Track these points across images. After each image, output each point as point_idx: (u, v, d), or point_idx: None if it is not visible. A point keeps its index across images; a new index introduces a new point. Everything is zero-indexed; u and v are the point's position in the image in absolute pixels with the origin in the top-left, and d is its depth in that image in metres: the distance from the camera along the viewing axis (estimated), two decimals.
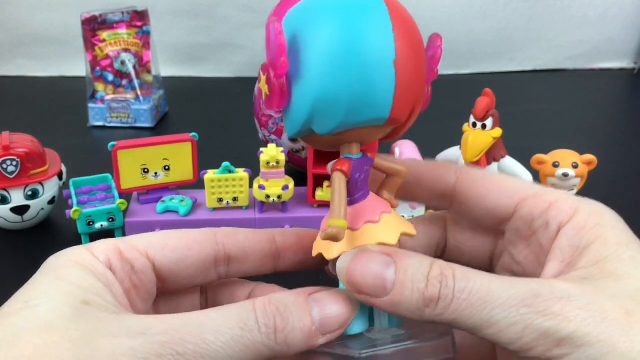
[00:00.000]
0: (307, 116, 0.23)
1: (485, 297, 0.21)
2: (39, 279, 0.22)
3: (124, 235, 0.60)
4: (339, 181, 0.24)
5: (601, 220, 0.24)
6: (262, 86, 0.23)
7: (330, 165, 0.25)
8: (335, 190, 0.24)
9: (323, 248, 0.25)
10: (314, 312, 0.23)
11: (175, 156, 0.61)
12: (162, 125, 0.96)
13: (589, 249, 0.23)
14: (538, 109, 1.05)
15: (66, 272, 0.22)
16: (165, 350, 0.20)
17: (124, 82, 0.95)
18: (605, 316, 0.20)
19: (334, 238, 0.23)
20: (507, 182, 0.26)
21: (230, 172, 0.60)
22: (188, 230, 0.27)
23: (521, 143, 0.68)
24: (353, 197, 0.25)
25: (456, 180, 0.26)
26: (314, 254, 0.26)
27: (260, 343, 0.22)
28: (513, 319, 0.21)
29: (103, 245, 0.24)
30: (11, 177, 0.59)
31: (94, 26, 0.93)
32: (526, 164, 0.62)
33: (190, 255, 0.26)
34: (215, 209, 0.61)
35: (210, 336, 0.21)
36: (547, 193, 0.25)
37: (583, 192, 0.60)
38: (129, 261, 0.24)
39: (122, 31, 0.94)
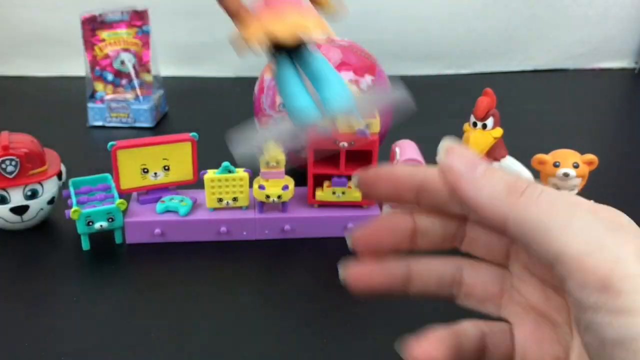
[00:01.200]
0: None
1: (574, 201, 0.21)
2: None
3: (123, 236, 0.60)
4: None
5: None
6: None
7: None
8: None
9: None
10: None
11: (175, 156, 0.61)
12: (162, 125, 0.95)
13: None
14: (538, 108, 1.05)
15: None
16: None
17: (124, 81, 0.95)
18: None
19: None
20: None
21: (230, 172, 0.60)
22: None
23: (522, 143, 0.68)
24: None
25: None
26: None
27: None
28: (593, 230, 0.21)
29: None
30: (10, 177, 0.59)
31: (93, 26, 0.93)
32: (527, 163, 0.62)
33: None
34: (215, 209, 0.61)
35: None
36: None
37: (584, 192, 0.59)
38: None
39: (122, 31, 0.94)
